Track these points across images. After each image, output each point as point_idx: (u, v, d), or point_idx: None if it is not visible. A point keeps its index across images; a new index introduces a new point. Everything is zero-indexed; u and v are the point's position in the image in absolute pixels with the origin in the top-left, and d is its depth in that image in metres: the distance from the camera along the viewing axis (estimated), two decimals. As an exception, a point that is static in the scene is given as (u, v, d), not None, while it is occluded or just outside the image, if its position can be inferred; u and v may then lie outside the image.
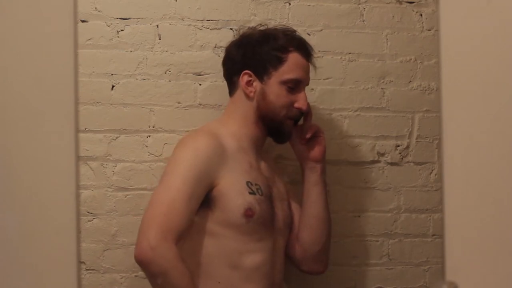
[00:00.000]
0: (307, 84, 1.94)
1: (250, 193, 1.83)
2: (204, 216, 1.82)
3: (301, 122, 1.96)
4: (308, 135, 1.94)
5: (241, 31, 1.97)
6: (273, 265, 1.87)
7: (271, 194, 1.90)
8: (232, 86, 1.95)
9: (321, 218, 1.96)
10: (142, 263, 1.72)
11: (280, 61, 1.89)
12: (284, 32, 1.93)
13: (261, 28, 1.96)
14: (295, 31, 1.95)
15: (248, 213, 1.81)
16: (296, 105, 1.90)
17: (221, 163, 1.82)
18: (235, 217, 1.81)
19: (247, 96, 1.91)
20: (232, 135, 1.89)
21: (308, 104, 1.92)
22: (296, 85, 1.89)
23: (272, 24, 2.10)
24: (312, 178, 1.96)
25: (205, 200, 1.81)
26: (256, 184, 1.85)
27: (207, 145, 1.83)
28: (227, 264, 1.82)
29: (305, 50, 1.92)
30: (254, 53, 1.91)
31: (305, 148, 1.96)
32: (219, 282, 1.82)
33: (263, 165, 1.93)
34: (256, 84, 1.90)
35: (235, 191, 1.82)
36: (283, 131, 1.93)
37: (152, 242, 1.69)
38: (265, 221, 1.85)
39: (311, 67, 1.95)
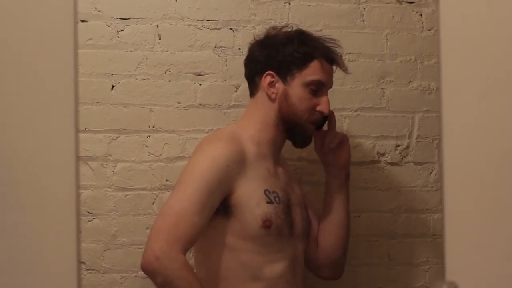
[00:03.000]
0: (330, 87, 1.92)
1: (268, 202, 1.80)
2: (221, 228, 1.79)
3: (325, 127, 1.94)
4: (333, 145, 1.93)
5: (267, 31, 1.94)
6: (294, 271, 1.87)
7: (289, 200, 1.87)
8: (253, 87, 1.92)
9: (342, 225, 1.95)
10: (147, 273, 1.71)
11: (304, 63, 1.87)
12: (310, 35, 1.91)
13: (286, 29, 1.93)
14: (321, 37, 1.92)
15: (266, 224, 1.79)
16: (318, 108, 1.87)
17: (239, 172, 1.80)
18: (253, 229, 1.79)
19: (269, 97, 1.88)
20: (251, 140, 1.86)
21: (331, 111, 1.92)
22: (319, 88, 1.87)
23: (272, 24, 2.10)
24: (335, 184, 1.95)
25: (222, 209, 1.78)
26: (273, 192, 1.83)
27: (225, 153, 1.79)
28: (248, 276, 1.81)
29: (330, 54, 1.90)
30: (278, 54, 1.88)
31: (329, 155, 1.95)
32: None
33: (280, 170, 1.91)
34: (279, 85, 1.87)
35: (252, 201, 1.79)
36: (304, 135, 1.90)
37: (157, 252, 1.67)
38: (283, 230, 1.83)
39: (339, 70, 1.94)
